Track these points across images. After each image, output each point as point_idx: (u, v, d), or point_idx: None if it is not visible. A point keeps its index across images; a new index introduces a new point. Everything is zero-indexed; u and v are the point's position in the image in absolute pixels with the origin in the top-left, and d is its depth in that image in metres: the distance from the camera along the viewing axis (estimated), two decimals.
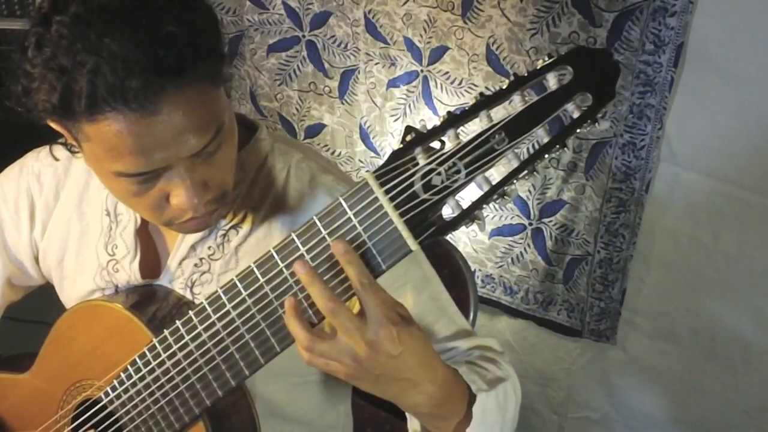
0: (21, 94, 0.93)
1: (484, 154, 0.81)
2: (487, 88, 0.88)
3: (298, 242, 0.89)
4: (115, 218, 1.18)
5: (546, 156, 0.81)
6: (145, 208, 1.01)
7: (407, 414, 1.03)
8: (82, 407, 1.14)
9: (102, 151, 0.93)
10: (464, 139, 0.81)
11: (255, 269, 0.93)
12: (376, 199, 0.84)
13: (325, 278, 0.89)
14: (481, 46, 1.96)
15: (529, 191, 2.01)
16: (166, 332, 1.01)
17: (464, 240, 2.15)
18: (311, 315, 0.91)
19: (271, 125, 2.38)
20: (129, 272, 1.16)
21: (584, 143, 1.91)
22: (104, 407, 1.10)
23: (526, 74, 0.81)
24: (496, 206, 2.00)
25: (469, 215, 0.83)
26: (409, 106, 2.12)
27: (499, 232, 2.10)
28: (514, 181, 0.82)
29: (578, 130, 0.81)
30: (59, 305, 1.25)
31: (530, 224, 2.05)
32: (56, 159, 1.22)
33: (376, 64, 2.13)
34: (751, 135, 1.74)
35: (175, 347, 1.01)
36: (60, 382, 1.16)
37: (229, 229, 1.12)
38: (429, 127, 0.83)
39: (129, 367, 1.05)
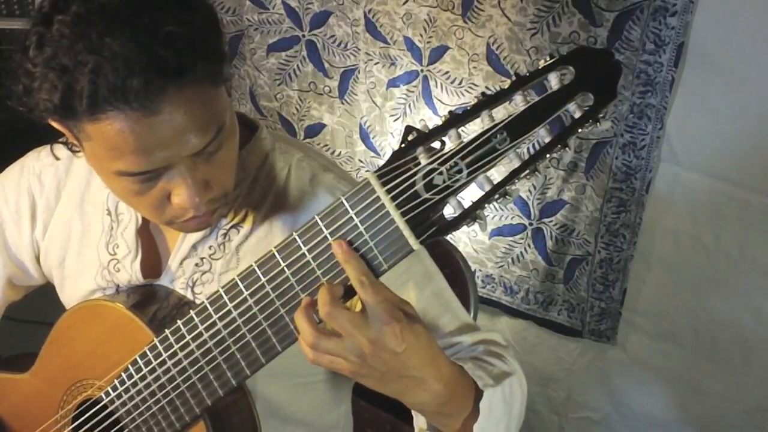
0: (22, 94, 0.94)
1: (485, 153, 0.81)
2: (488, 87, 0.88)
3: (299, 242, 0.89)
4: (116, 218, 1.18)
5: (547, 156, 0.81)
6: (146, 207, 1.01)
7: (413, 411, 1.03)
8: (83, 407, 1.14)
9: (103, 150, 0.93)
10: (466, 138, 0.82)
11: (256, 269, 0.93)
12: (378, 198, 0.84)
13: (326, 278, 0.89)
14: (482, 45, 1.96)
15: (530, 191, 2.01)
16: (167, 332, 1.01)
17: (464, 240, 2.15)
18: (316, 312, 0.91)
19: (271, 125, 2.38)
20: (130, 272, 1.16)
21: (585, 143, 1.91)
22: (105, 407, 1.10)
23: (527, 74, 0.81)
24: (497, 206, 2.00)
25: (470, 215, 0.83)
26: (409, 105, 2.12)
27: (499, 232, 2.10)
28: (516, 181, 0.82)
29: (579, 130, 0.81)
30: (59, 305, 1.25)
31: (530, 224, 2.05)
32: (57, 158, 1.22)
33: (376, 63, 2.13)
34: (752, 135, 1.74)
35: (176, 347, 1.01)
36: (60, 382, 1.16)
37: (230, 228, 1.12)
38: (430, 126, 0.83)
39: (130, 366, 1.05)
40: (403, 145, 0.83)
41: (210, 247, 1.13)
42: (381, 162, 0.85)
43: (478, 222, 0.84)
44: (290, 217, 1.11)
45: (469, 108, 0.82)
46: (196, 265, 1.13)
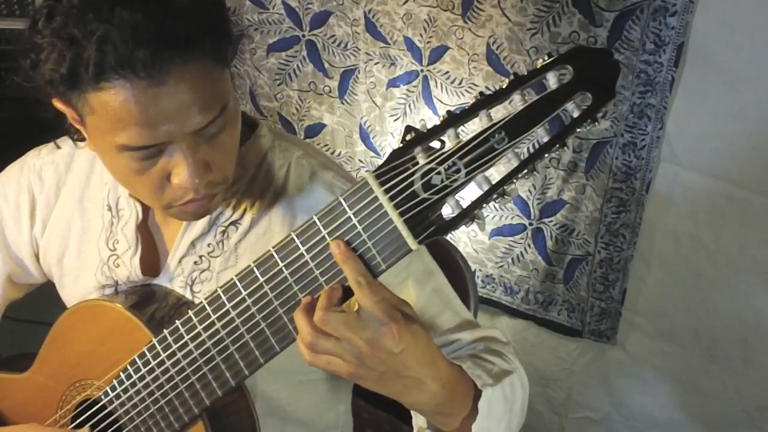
0: (29, 68, 0.95)
1: (483, 153, 0.81)
2: (487, 87, 0.88)
3: (297, 242, 0.89)
4: (116, 213, 1.18)
5: (546, 155, 0.81)
6: (146, 187, 1.01)
7: (412, 411, 1.03)
8: (82, 407, 1.14)
9: (107, 123, 0.93)
10: (464, 138, 0.81)
11: (255, 269, 0.93)
12: (376, 198, 0.84)
13: (325, 278, 0.89)
14: (482, 45, 1.95)
15: (530, 191, 2.01)
16: (165, 332, 1.01)
17: (464, 240, 2.15)
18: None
19: (271, 125, 2.37)
20: (129, 267, 1.16)
21: (584, 143, 1.91)
22: (104, 407, 1.10)
23: (526, 74, 0.81)
24: (496, 206, 2.00)
25: (468, 215, 0.83)
26: (409, 105, 2.12)
27: (499, 232, 2.10)
28: (514, 181, 0.82)
29: (578, 130, 0.81)
30: (59, 305, 1.25)
31: (530, 224, 2.05)
32: (59, 147, 1.22)
33: (376, 63, 2.13)
34: (752, 135, 1.74)
35: (174, 347, 1.01)
36: (60, 382, 1.16)
37: (229, 225, 1.12)
38: (429, 126, 0.83)
39: (128, 366, 1.05)
40: (401, 145, 0.83)
41: (209, 245, 1.13)
42: (381, 162, 0.85)
43: (477, 222, 0.84)
44: (289, 215, 1.11)
45: (467, 107, 0.82)
46: (195, 263, 1.14)
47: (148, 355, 1.03)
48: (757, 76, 1.69)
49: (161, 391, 1.04)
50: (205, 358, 0.99)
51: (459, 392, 0.98)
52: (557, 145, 0.81)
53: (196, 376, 1.01)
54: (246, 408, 1.10)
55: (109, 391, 1.08)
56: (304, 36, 2.24)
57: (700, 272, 1.90)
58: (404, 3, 2.03)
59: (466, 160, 0.81)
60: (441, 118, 0.82)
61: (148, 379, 1.04)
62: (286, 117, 2.36)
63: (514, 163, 0.81)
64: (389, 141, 2.19)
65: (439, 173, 0.82)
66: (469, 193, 0.83)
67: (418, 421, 1.04)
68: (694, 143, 1.82)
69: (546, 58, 0.81)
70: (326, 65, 2.23)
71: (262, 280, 0.92)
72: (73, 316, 1.14)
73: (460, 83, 2.02)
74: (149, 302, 1.12)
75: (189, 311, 0.98)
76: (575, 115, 0.80)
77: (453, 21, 1.97)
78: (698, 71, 1.76)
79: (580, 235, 2.00)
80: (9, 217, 1.26)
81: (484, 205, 0.83)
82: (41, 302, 1.37)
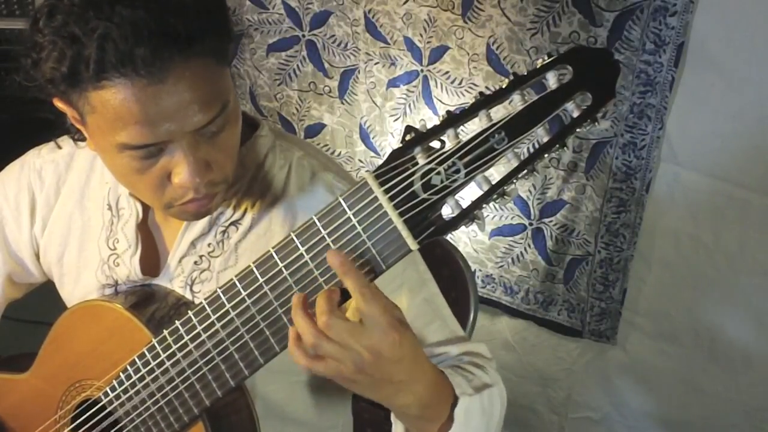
0: (30, 67, 0.94)
1: (483, 153, 0.81)
2: (487, 87, 0.88)
3: (297, 242, 0.89)
4: (116, 212, 1.18)
5: (546, 155, 0.81)
6: (146, 187, 1.01)
7: (392, 418, 1.03)
8: (82, 407, 1.14)
9: (107, 122, 0.93)
10: (464, 138, 0.81)
11: (254, 269, 0.92)
12: (376, 198, 0.84)
13: (324, 278, 0.89)
14: (482, 45, 1.95)
15: (530, 191, 2.01)
16: (165, 332, 1.01)
17: (464, 240, 2.15)
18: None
19: (271, 125, 2.37)
20: (129, 267, 1.16)
21: (584, 143, 1.91)
22: (103, 407, 1.10)
23: (525, 73, 0.81)
24: (496, 206, 2.00)
25: (468, 215, 0.83)
26: (409, 105, 2.12)
27: (499, 232, 2.10)
28: (514, 181, 0.82)
29: (578, 130, 0.81)
30: (59, 305, 1.25)
31: (530, 224, 2.05)
32: (59, 147, 1.22)
33: (376, 63, 2.13)
34: (752, 134, 1.74)
35: (174, 347, 1.00)
36: (59, 382, 1.16)
37: (229, 225, 1.12)
38: (429, 126, 0.83)
39: (128, 367, 1.05)
40: (400, 145, 0.83)
41: (209, 245, 1.13)
42: (381, 162, 0.85)
43: (477, 222, 0.84)
44: (290, 215, 1.11)
45: (467, 107, 0.82)
46: (195, 263, 1.13)
47: (148, 356, 1.03)
48: (757, 76, 1.70)
49: (161, 391, 1.04)
50: (205, 358, 0.99)
51: (441, 396, 0.98)
52: (557, 145, 0.81)
53: (196, 376, 1.00)
54: (246, 408, 1.09)
55: (109, 392, 1.08)
56: (304, 36, 2.24)
57: (700, 272, 1.90)
58: (404, 3, 2.03)
59: (465, 160, 0.81)
60: (441, 118, 0.82)
61: (148, 379, 1.04)
62: (286, 117, 2.36)
63: (514, 163, 0.81)
64: (389, 141, 2.19)
65: (438, 173, 0.82)
66: (468, 193, 0.83)
67: (398, 429, 1.04)
68: (694, 143, 1.82)
69: (546, 58, 0.81)
70: (326, 65, 2.23)
71: (261, 280, 0.92)
72: (73, 317, 1.14)
73: (460, 83, 2.02)
74: (149, 302, 1.12)
75: (189, 311, 0.98)
76: (575, 115, 0.80)
77: (453, 21, 1.97)
78: (698, 71, 1.76)
79: (580, 235, 2.00)
80: (9, 216, 1.26)
81: (484, 206, 0.83)
82: (41, 302, 1.37)
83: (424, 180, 0.82)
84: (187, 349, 0.99)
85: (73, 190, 1.23)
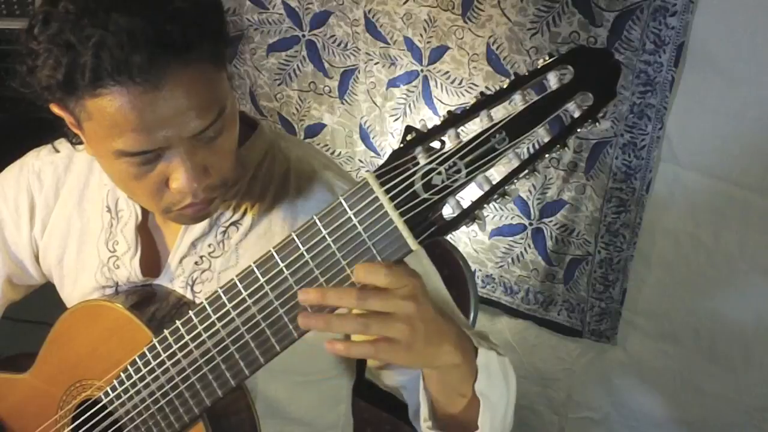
0: (26, 74, 0.94)
1: (484, 153, 0.81)
2: (487, 87, 0.88)
3: (298, 242, 0.89)
4: (115, 214, 1.18)
5: (546, 155, 0.81)
6: (144, 192, 1.01)
7: (421, 396, 1.02)
8: (82, 407, 1.14)
9: (104, 129, 0.93)
10: (465, 138, 0.81)
11: (255, 269, 0.92)
12: (377, 198, 0.84)
13: (325, 278, 0.89)
14: (482, 45, 1.96)
15: (530, 191, 2.01)
16: (166, 332, 1.01)
17: (464, 240, 2.15)
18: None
19: (271, 125, 2.37)
20: (129, 269, 1.16)
21: (584, 143, 1.91)
22: (104, 407, 1.10)
23: (526, 74, 0.81)
24: (497, 206, 2.00)
25: (469, 215, 0.83)
26: (409, 105, 2.12)
27: (499, 232, 2.10)
28: (515, 181, 0.82)
29: (579, 130, 0.81)
30: (59, 305, 1.25)
31: (530, 224, 2.05)
32: (57, 150, 1.22)
33: (376, 63, 2.13)
34: (752, 134, 1.74)
35: (175, 347, 1.00)
36: (60, 382, 1.16)
37: (229, 225, 1.12)
38: (429, 126, 0.83)
39: (129, 367, 1.05)
40: (401, 145, 0.83)
41: (209, 245, 1.13)
42: (381, 162, 0.85)
43: (477, 222, 0.84)
44: (290, 215, 1.11)
45: (468, 108, 0.82)
46: (196, 263, 1.13)
47: (149, 356, 1.03)
48: (757, 76, 1.70)
49: (161, 391, 1.03)
50: (205, 358, 0.99)
51: (468, 343, 0.98)
52: (558, 145, 0.81)
53: (197, 376, 1.00)
54: (247, 408, 1.09)
55: (110, 392, 1.08)
56: (304, 36, 2.24)
57: (700, 272, 1.90)
58: (404, 3, 2.03)
59: (466, 160, 0.81)
60: (441, 118, 0.82)
61: (149, 379, 1.04)
62: (286, 117, 2.36)
63: (515, 164, 0.81)
64: (389, 141, 2.19)
65: (439, 173, 0.82)
66: (469, 194, 0.83)
67: (424, 411, 1.03)
68: (694, 143, 1.82)
69: (547, 58, 0.81)
70: (326, 65, 2.23)
71: (262, 280, 0.92)
72: (74, 316, 1.14)
73: (460, 83, 2.02)
74: (150, 302, 1.12)
75: (189, 311, 0.98)
76: (576, 115, 0.80)
77: (453, 21, 1.97)
78: (698, 71, 1.76)
79: (580, 235, 2.00)
80: (8, 219, 1.26)
81: (485, 206, 0.83)
82: (41, 302, 1.37)
83: (425, 180, 0.82)
84: (188, 348, 0.99)
85: (72, 192, 1.22)
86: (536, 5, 1.85)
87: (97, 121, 0.93)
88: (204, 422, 1.05)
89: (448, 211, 0.84)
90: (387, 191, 0.84)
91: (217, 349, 0.98)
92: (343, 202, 0.86)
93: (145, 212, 1.17)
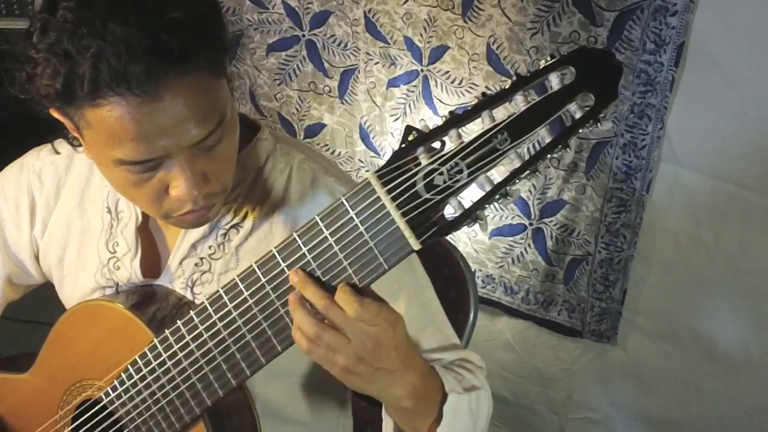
0: (24, 81, 0.94)
1: (486, 154, 0.81)
2: (487, 87, 0.88)
3: (299, 242, 0.89)
4: (116, 215, 1.18)
5: (548, 156, 0.81)
6: (144, 199, 1.01)
7: (384, 415, 1.04)
8: (83, 407, 1.14)
9: (103, 138, 0.93)
10: (466, 138, 0.81)
11: (256, 269, 0.92)
12: (378, 198, 0.84)
13: (326, 278, 0.89)
14: (482, 45, 1.95)
15: (530, 191, 2.01)
16: (166, 332, 1.01)
17: (464, 240, 2.15)
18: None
19: (271, 125, 2.37)
20: (130, 270, 1.16)
21: (585, 143, 1.91)
22: (104, 407, 1.10)
23: (528, 74, 0.81)
24: (497, 206, 2.00)
25: (471, 215, 0.83)
26: (409, 105, 2.12)
27: (499, 232, 2.10)
28: (516, 181, 0.82)
29: (580, 130, 0.81)
30: (59, 305, 1.24)
31: (531, 224, 2.05)
32: (58, 152, 1.22)
33: (376, 63, 2.13)
34: (752, 134, 1.74)
35: (175, 347, 1.00)
36: (60, 382, 1.15)
37: (230, 228, 1.12)
38: (429, 126, 0.83)
39: (129, 367, 1.05)
40: (403, 145, 0.83)
41: (210, 247, 1.13)
42: (381, 162, 0.85)
43: (479, 222, 0.84)
44: (290, 218, 1.11)
45: (469, 108, 0.82)
46: (196, 265, 1.13)
47: (149, 356, 1.03)
48: (757, 76, 1.70)
49: (162, 391, 1.04)
50: (206, 358, 0.99)
51: (433, 388, 1.00)
52: (559, 146, 0.81)
53: (198, 376, 1.00)
54: (247, 408, 1.09)
55: (110, 392, 1.08)
56: (304, 36, 2.24)
57: (700, 272, 1.90)
58: (404, 3, 2.03)
59: (468, 160, 0.81)
60: (443, 119, 0.82)
61: (150, 379, 1.04)
62: (286, 117, 2.36)
63: (517, 164, 0.81)
64: (389, 141, 2.19)
65: (441, 174, 0.82)
66: (471, 194, 0.83)
67: (387, 426, 1.05)
68: (694, 143, 1.82)
69: (548, 58, 0.81)
70: (326, 65, 2.23)
71: (264, 280, 0.92)
72: (74, 316, 1.14)
73: (461, 83, 2.02)
74: (150, 302, 1.12)
75: (190, 311, 0.98)
76: (577, 115, 0.80)
77: (453, 21, 1.97)
78: (698, 71, 1.76)
79: (580, 235, 2.00)
80: (9, 218, 1.26)
81: (486, 206, 0.83)
82: (41, 302, 1.37)
83: (426, 180, 0.83)
84: (189, 348, 1.00)
85: (72, 192, 1.22)
86: (536, 5, 1.85)
87: (97, 130, 0.93)
88: (205, 422, 1.05)
89: (449, 211, 0.84)
90: (389, 191, 0.84)
91: (218, 349, 0.98)
92: (345, 202, 0.86)
93: (146, 213, 1.17)
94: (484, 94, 0.82)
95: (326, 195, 1.10)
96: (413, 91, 2.10)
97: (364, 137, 2.24)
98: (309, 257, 0.89)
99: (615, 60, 0.81)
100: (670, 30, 1.74)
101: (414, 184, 0.83)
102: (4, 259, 1.28)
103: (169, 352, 1.01)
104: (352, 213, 0.86)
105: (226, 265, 1.12)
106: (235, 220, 1.12)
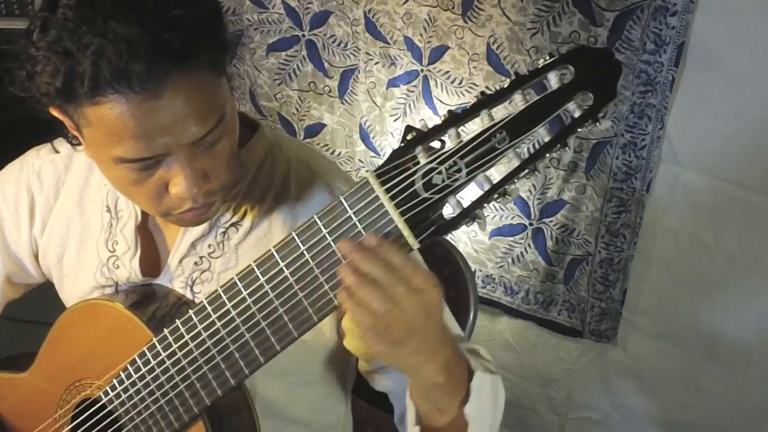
0: (24, 79, 0.94)
1: (485, 153, 0.81)
2: (487, 87, 0.88)
3: (298, 241, 0.89)
4: (115, 214, 1.18)
5: (547, 155, 0.81)
6: (144, 197, 1.01)
7: (408, 401, 1.02)
8: (82, 407, 1.14)
9: (103, 136, 0.93)
10: (465, 138, 0.81)
11: (255, 268, 0.92)
12: (377, 197, 0.84)
13: (325, 277, 0.89)
14: (482, 45, 1.95)
15: (530, 191, 2.01)
16: (165, 331, 1.01)
17: (464, 240, 2.15)
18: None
19: (271, 125, 2.37)
20: (129, 269, 1.16)
21: (585, 143, 1.91)
22: (104, 407, 1.10)
23: (527, 73, 0.81)
24: (497, 206, 2.00)
25: (469, 214, 0.83)
26: (409, 105, 2.12)
27: (499, 232, 2.10)
28: (515, 181, 0.82)
29: (579, 130, 0.81)
30: (59, 305, 1.24)
31: (531, 224, 2.05)
32: (57, 151, 1.22)
33: (376, 63, 2.13)
34: (752, 134, 1.74)
35: (174, 346, 1.00)
36: (59, 382, 1.15)
37: (230, 226, 1.12)
38: (430, 126, 0.83)
39: (129, 366, 1.05)
40: (402, 145, 0.83)
41: (209, 246, 1.13)
42: (381, 162, 0.85)
43: (478, 222, 0.84)
44: (290, 217, 1.11)
45: (468, 107, 0.82)
46: (196, 263, 1.13)
47: (149, 355, 1.03)
48: (757, 76, 1.70)
49: (161, 390, 1.03)
50: (205, 357, 0.99)
51: (460, 365, 0.98)
52: (558, 145, 0.81)
53: (197, 375, 1.00)
54: (246, 408, 1.09)
55: (109, 391, 1.08)
56: (304, 36, 2.24)
57: (700, 272, 1.90)
58: (404, 3, 2.03)
59: (467, 159, 0.81)
60: (442, 118, 0.82)
61: (149, 378, 1.04)
62: (286, 117, 2.36)
63: (515, 163, 0.81)
64: (389, 141, 2.19)
65: (440, 173, 0.82)
66: (470, 193, 0.83)
67: (410, 415, 1.03)
68: (695, 143, 1.82)
69: (547, 58, 0.81)
70: (326, 65, 2.23)
71: (262, 279, 0.92)
72: (73, 316, 1.14)
73: (460, 83, 2.02)
74: (150, 301, 1.12)
75: (189, 311, 0.98)
76: (576, 115, 0.80)
77: (453, 21, 1.97)
78: (699, 71, 1.76)
79: (580, 235, 2.00)
80: (8, 217, 1.26)
81: (485, 205, 0.83)
82: (41, 302, 1.37)
83: (425, 179, 0.83)
84: (188, 348, 0.99)
85: (72, 191, 1.22)
86: (536, 5, 1.85)
87: (97, 128, 0.93)
88: (204, 421, 1.05)
89: (448, 211, 0.84)
90: (387, 190, 0.84)
91: (217, 348, 0.98)
92: (343, 201, 0.86)
93: (145, 212, 1.17)
94: (483, 93, 0.82)
95: (325, 193, 1.10)
96: (413, 91, 2.10)
97: (364, 137, 2.24)
98: (308, 256, 0.89)
99: (614, 59, 0.81)
100: (670, 30, 1.74)
101: (412, 184, 0.83)
102: (3, 258, 1.28)
103: (168, 352, 1.01)
104: (350, 212, 0.86)
105: (226, 264, 1.12)
106: (235, 219, 1.12)
